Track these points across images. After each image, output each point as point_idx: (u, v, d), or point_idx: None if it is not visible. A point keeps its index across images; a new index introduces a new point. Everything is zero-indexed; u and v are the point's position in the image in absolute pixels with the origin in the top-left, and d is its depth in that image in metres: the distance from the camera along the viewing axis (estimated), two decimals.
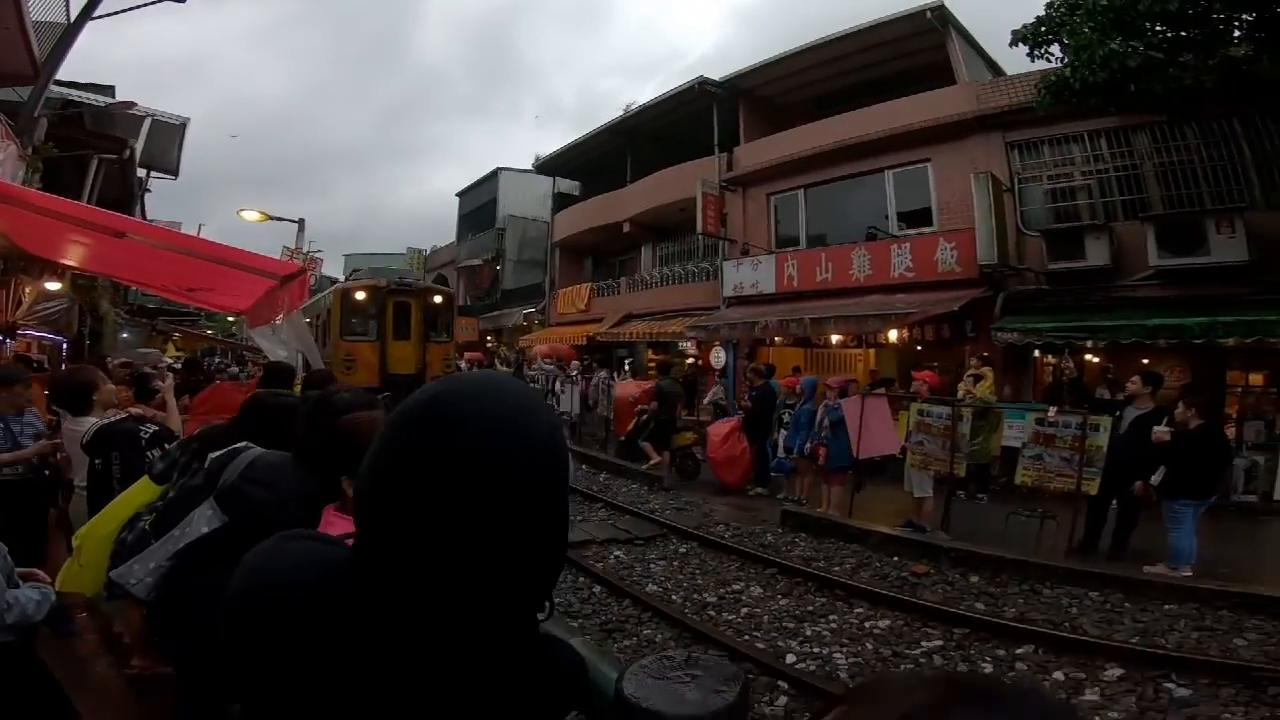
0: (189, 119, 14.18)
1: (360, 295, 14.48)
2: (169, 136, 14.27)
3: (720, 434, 9.93)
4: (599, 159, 20.98)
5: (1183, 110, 8.74)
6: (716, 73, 16.06)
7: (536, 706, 0.81)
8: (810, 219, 14.78)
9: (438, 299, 15.74)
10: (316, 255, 23.99)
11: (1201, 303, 8.63)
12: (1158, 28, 7.84)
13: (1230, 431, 9.24)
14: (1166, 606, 5.25)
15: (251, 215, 13.31)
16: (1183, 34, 7.88)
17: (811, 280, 13.48)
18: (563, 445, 0.80)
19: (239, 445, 1.92)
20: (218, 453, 1.92)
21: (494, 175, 28.17)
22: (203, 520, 1.74)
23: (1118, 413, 6.52)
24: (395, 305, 14.79)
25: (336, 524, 1.83)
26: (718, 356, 14.82)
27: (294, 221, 14.32)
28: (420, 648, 0.72)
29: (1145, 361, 11.30)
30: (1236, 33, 7.91)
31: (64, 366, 9.11)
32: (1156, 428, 5.83)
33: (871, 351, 15.06)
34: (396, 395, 13.18)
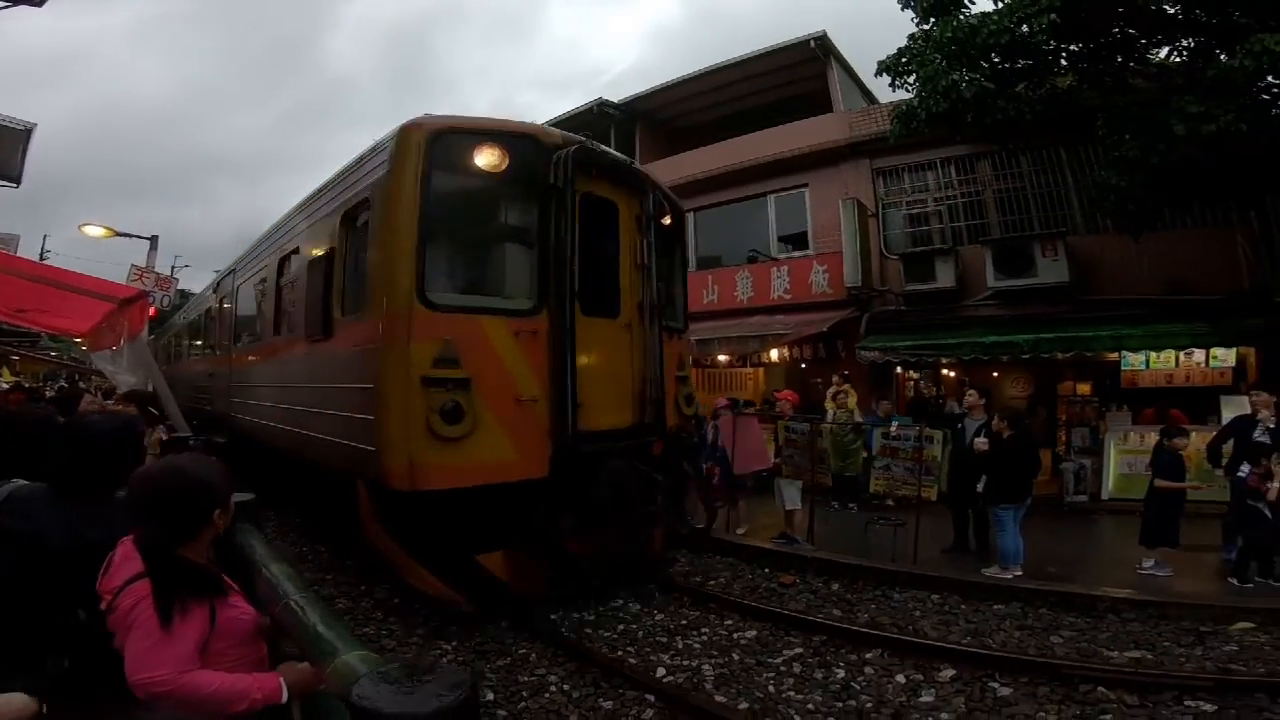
0: (35, 124, 12.84)
1: (487, 159, 5.18)
2: (11, 142, 12.84)
3: None
4: None
5: (1012, 139, 9.60)
6: (635, 90, 16.15)
7: None
8: (701, 242, 15.20)
9: (667, 219, 6.64)
10: (185, 267, 22.27)
11: (1030, 321, 9.56)
12: (994, 59, 8.47)
13: (1060, 437, 10.30)
14: (996, 606, 5.69)
15: (96, 231, 12.06)
16: (1017, 65, 8.57)
17: (699, 301, 13.80)
18: None
19: None
20: None
21: None
22: None
23: (959, 425, 7.09)
24: (587, 206, 5.64)
25: (131, 559, 1.73)
26: None
27: (146, 238, 13.01)
28: None
29: (995, 375, 12.41)
30: (1063, 62, 8.70)
31: None
32: (976, 439, 6.35)
33: (760, 370, 15.64)
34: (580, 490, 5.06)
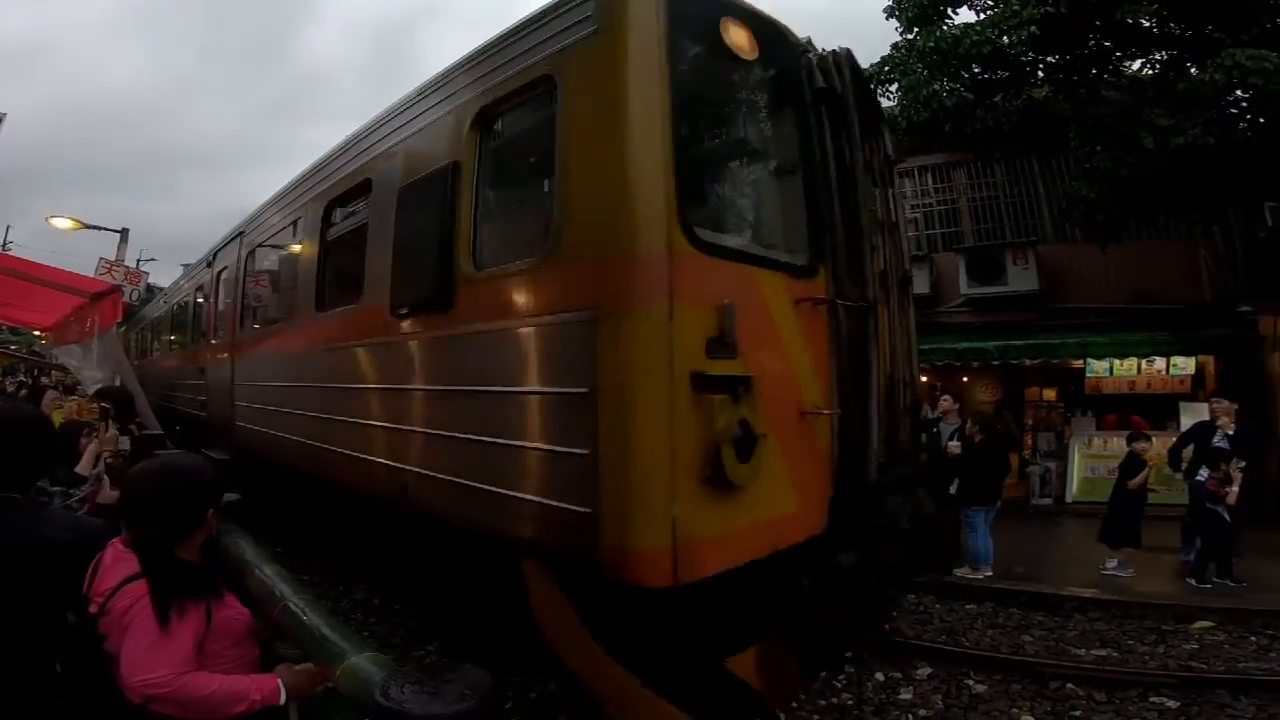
0: (4, 114, 12.43)
1: (736, 38, 3.10)
2: None
3: None
4: None
5: (988, 149, 9.83)
6: None
7: None
8: None
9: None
10: (150, 261, 21.70)
11: (1001, 328, 9.81)
12: (975, 69, 8.65)
13: (1027, 441, 10.57)
14: (968, 606, 5.85)
15: (63, 223, 11.66)
16: (996, 75, 8.77)
17: None
18: None
19: None
20: None
21: None
22: None
23: (935, 429, 7.23)
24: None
25: (123, 560, 1.71)
26: None
27: (115, 231, 12.62)
28: None
29: (965, 380, 12.67)
30: (1040, 73, 8.93)
31: None
32: (950, 443, 6.50)
33: None
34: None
